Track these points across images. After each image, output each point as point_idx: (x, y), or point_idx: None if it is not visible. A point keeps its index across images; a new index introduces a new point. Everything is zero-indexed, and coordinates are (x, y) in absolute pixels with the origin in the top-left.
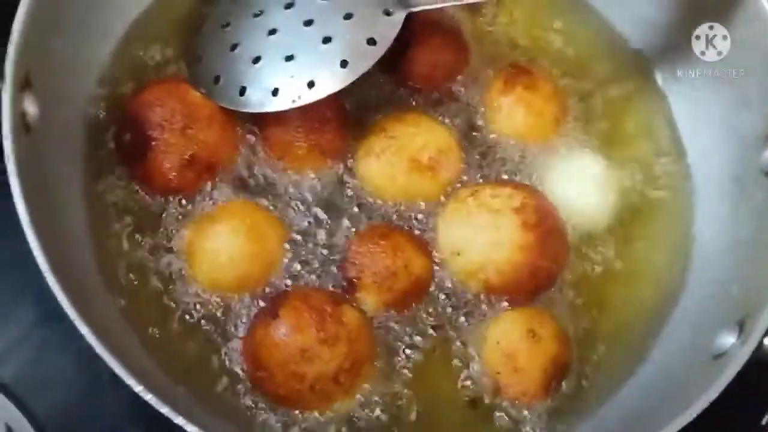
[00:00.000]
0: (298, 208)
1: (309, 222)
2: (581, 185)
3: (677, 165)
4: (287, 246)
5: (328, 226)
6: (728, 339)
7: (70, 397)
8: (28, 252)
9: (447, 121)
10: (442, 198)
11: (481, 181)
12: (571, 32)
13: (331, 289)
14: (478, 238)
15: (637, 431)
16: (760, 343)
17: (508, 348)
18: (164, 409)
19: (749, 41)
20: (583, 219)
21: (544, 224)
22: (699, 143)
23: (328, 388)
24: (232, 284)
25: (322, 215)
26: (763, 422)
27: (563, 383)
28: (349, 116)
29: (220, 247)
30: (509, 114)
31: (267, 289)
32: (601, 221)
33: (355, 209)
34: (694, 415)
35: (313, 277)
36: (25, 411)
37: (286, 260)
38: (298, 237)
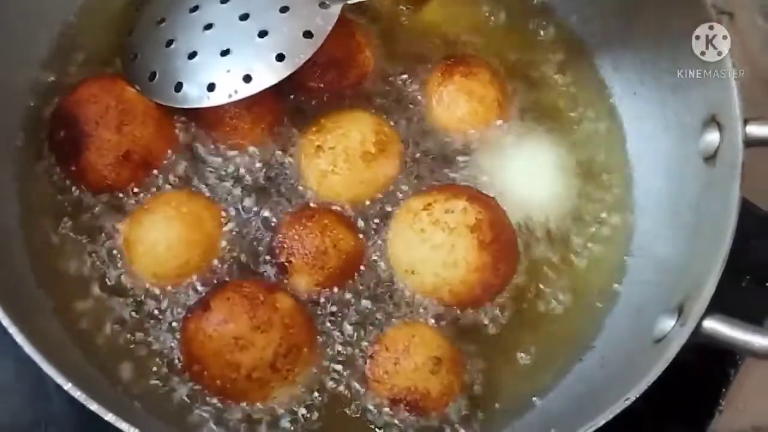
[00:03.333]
0: (235, 191)
1: (246, 206)
2: (532, 174)
3: (617, 153)
4: (226, 227)
5: (264, 208)
6: (668, 323)
7: (14, 404)
8: None
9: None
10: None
11: (419, 180)
12: (510, 20)
13: (266, 273)
14: (433, 258)
15: (580, 417)
16: (699, 324)
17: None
18: (94, 406)
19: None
20: (534, 209)
21: (499, 241)
22: (639, 130)
23: (266, 376)
24: (174, 272)
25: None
26: (721, 407)
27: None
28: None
29: (158, 237)
30: (451, 103)
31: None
32: (553, 208)
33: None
34: (633, 398)
35: (251, 252)
36: None
37: (224, 242)
38: (236, 217)
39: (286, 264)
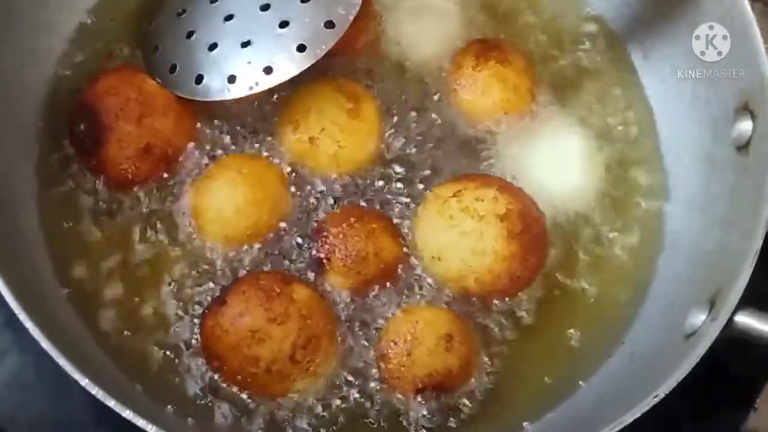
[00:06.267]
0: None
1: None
2: (561, 165)
3: (648, 143)
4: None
5: None
6: (700, 317)
7: (37, 399)
8: None
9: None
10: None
11: (441, 167)
12: (541, 5)
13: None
14: (461, 245)
15: (608, 414)
16: (731, 318)
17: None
18: (111, 402)
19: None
20: (564, 201)
21: (528, 232)
22: (670, 120)
23: (286, 369)
24: (246, 234)
25: None
26: (756, 405)
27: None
28: None
29: (223, 202)
30: (484, 89)
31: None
32: (583, 200)
33: None
34: (663, 395)
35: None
36: None
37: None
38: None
39: (324, 261)
